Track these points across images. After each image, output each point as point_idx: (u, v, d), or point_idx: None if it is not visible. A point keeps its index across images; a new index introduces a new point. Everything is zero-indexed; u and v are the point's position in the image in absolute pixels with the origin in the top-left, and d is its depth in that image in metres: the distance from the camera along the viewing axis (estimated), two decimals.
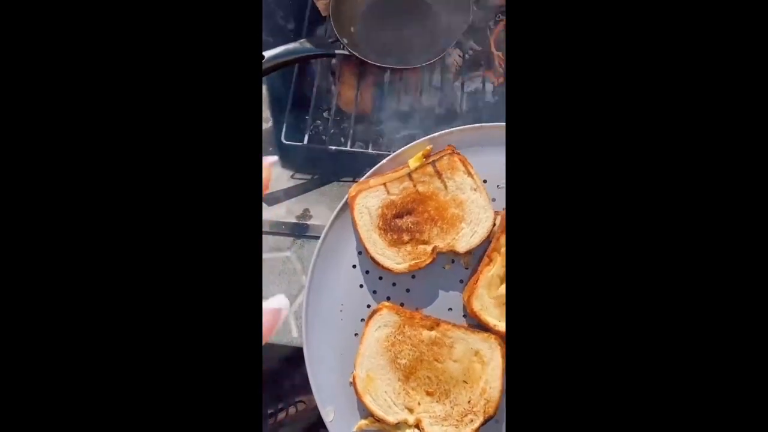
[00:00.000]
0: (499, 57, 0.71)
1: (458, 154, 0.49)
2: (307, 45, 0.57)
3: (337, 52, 0.60)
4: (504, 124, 0.52)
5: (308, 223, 0.60)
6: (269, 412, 0.78)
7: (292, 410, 0.80)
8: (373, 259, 0.48)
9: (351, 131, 0.66)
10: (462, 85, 0.68)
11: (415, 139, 0.50)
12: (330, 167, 0.65)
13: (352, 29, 0.65)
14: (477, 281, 0.46)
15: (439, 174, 0.49)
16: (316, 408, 0.47)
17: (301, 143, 0.63)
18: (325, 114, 0.70)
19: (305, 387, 0.47)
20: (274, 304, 0.27)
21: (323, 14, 0.74)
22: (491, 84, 0.70)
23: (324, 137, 0.66)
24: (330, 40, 0.61)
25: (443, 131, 0.52)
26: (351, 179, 0.64)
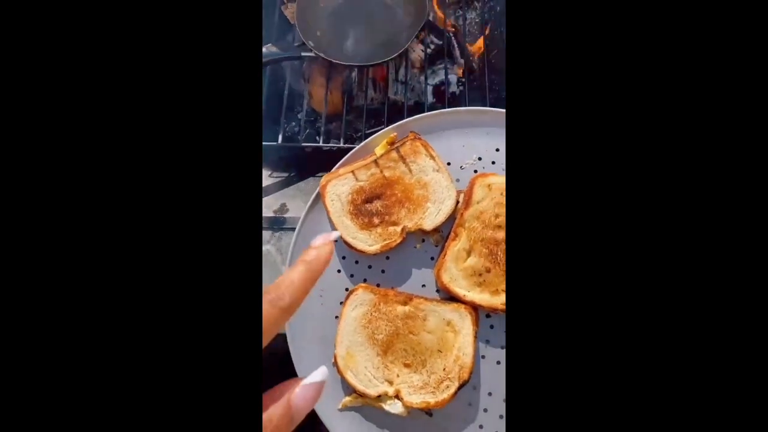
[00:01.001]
0: (460, 48, 0.74)
1: (420, 138, 0.52)
2: (274, 49, 0.60)
3: (303, 54, 0.63)
4: (465, 108, 0.55)
5: (285, 216, 0.62)
6: None
7: None
8: (346, 242, 0.50)
9: (323, 129, 0.68)
10: (426, 77, 0.71)
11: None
12: (305, 164, 0.68)
13: (318, 33, 0.69)
14: (445, 256, 0.49)
15: (403, 159, 0.52)
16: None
17: (275, 143, 0.66)
18: (298, 115, 0.73)
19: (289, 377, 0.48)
20: (317, 378, 0.24)
21: (291, 22, 0.77)
22: (454, 75, 0.74)
23: (299, 137, 0.69)
24: (296, 44, 0.64)
25: (407, 119, 0.55)
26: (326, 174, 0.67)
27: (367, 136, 0.69)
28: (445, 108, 0.70)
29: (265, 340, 0.25)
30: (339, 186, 0.51)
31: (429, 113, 0.55)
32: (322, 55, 0.63)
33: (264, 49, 0.60)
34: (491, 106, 0.69)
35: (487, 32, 0.73)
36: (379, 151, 0.53)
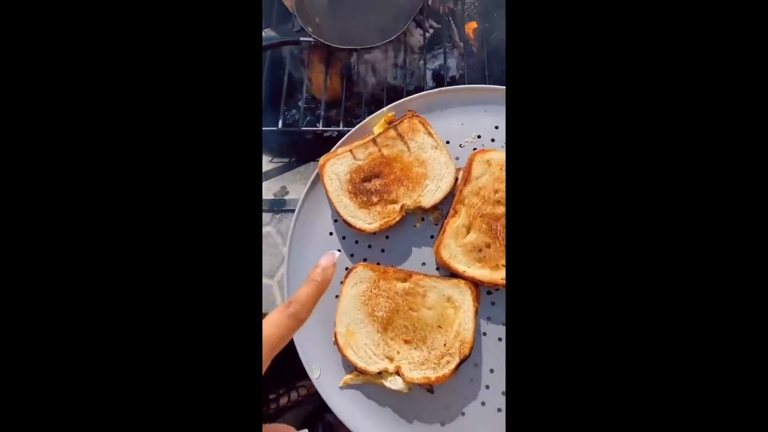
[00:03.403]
0: (458, 32, 0.74)
1: (418, 116, 0.52)
2: (273, 33, 0.61)
3: (302, 39, 0.63)
4: (463, 87, 0.55)
5: (285, 198, 0.62)
6: (270, 397, 0.80)
7: (293, 395, 0.81)
8: (345, 221, 0.50)
9: (323, 116, 0.69)
10: (425, 62, 0.71)
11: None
12: (305, 149, 0.68)
13: (317, 20, 0.69)
14: (444, 232, 0.48)
15: (401, 136, 0.51)
16: (317, 393, 0.49)
17: (275, 128, 0.66)
18: (299, 102, 0.73)
19: (305, 373, 0.48)
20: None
21: (290, 10, 0.77)
22: (454, 59, 0.73)
23: (299, 124, 0.69)
24: (295, 30, 0.64)
25: (405, 99, 0.55)
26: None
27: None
28: None
29: (281, 346, 0.30)
30: (337, 165, 0.51)
31: (427, 92, 0.54)
32: (320, 40, 0.63)
33: (263, 34, 0.61)
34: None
35: (476, 26, 0.73)
36: (376, 129, 0.53)
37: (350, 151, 0.52)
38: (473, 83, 0.71)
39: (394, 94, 0.73)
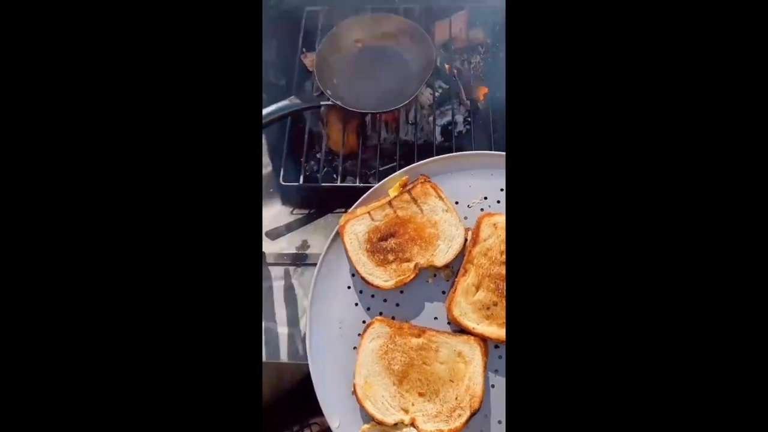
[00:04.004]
0: (465, 91, 0.80)
1: (429, 181, 0.57)
2: (296, 101, 0.67)
3: (322, 103, 0.69)
4: (470, 153, 0.60)
5: (307, 252, 0.67)
6: None
7: None
8: (363, 278, 0.54)
9: (341, 168, 0.74)
10: (434, 118, 0.77)
11: (397, 170, 0.58)
12: (324, 202, 0.73)
13: (335, 81, 0.75)
14: (455, 290, 0.52)
15: (414, 200, 0.56)
16: (329, 429, 0.52)
17: (297, 183, 0.71)
18: (317, 155, 0.79)
19: (319, 409, 0.52)
20: None
21: (309, 69, 0.84)
22: (461, 115, 0.79)
23: (317, 175, 0.75)
24: (316, 94, 0.70)
25: (417, 163, 0.60)
26: (343, 210, 0.72)
27: (380, 173, 0.74)
28: (452, 145, 0.75)
29: None
30: (356, 225, 0.56)
31: (437, 157, 0.60)
32: (339, 103, 0.69)
33: (287, 101, 0.67)
34: (495, 145, 0.74)
35: (486, 91, 0.79)
36: (392, 192, 0.58)
37: (368, 213, 0.56)
38: (479, 139, 0.76)
39: (406, 147, 0.78)
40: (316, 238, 0.69)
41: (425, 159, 0.59)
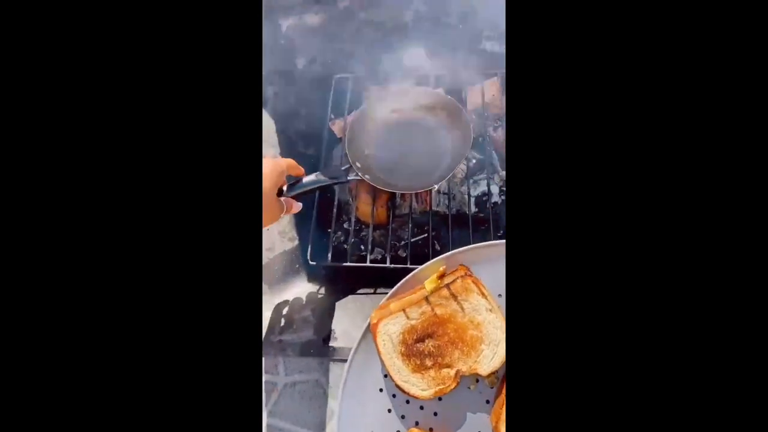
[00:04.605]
0: (500, 160, 0.76)
1: (471, 276, 0.52)
2: (323, 177, 0.64)
3: (349, 178, 0.66)
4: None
5: (334, 345, 0.63)
6: None
7: None
8: (399, 386, 0.49)
9: (370, 238, 0.70)
10: (468, 188, 0.73)
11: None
12: (350, 280, 0.70)
13: (366, 152, 0.72)
14: (503, 405, 0.46)
15: (454, 297, 0.52)
16: None
17: (325, 263, 0.68)
18: (345, 225, 0.75)
19: None
20: None
21: (338, 136, 0.82)
22: (496, 185, 0.75)
23: (345, 246, 0.71)
24: (343, 168, 0.68)
25: (455, 251, 0.55)
26: (371, 291, 0.68)
27: (410, 245, 0.70)
28: (488, 217, 0.71)
29: None
30: (390, 325, 0.52)
31: (475, 245, 0.55)
32: (367, 178, 0.66)
33: (313, 176, 0.64)
34: None
35: None
36: (429, 285, 0.53)
37: (403, 310, 0.52)
38: None
39: (438, 218, 0.74)
40: (342, 326, 0.65)
41: (459, 232, 0.54)
